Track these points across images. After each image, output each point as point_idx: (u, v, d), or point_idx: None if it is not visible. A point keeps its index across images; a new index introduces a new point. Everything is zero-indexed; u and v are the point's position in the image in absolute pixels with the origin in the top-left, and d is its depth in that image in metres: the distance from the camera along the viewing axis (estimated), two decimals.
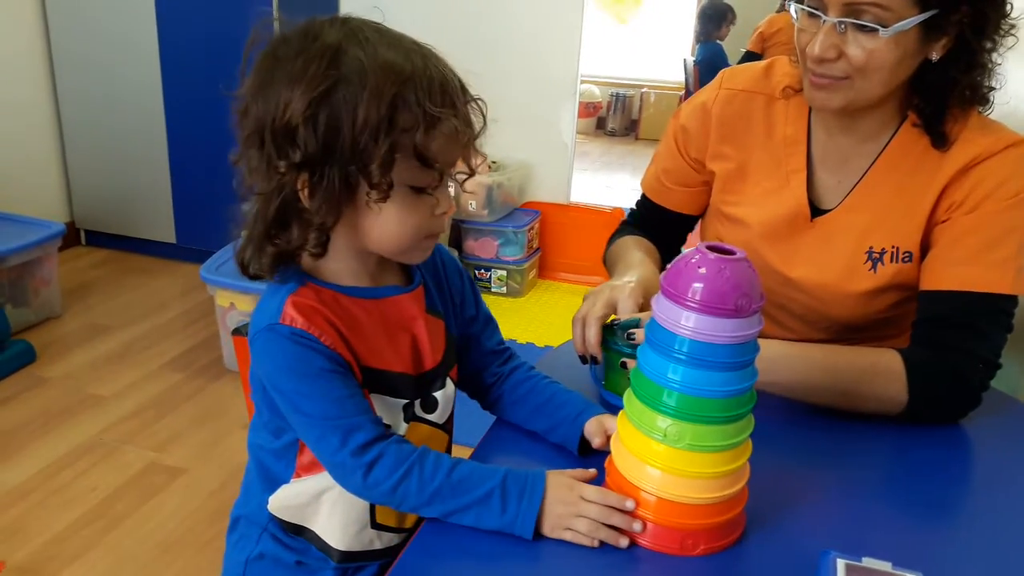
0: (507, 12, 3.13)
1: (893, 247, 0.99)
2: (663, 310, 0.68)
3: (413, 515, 0.82)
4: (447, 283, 0.88)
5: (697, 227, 1.22)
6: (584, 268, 3.32)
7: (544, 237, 3.37)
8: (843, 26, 0.88)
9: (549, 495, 0.72)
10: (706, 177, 1.13)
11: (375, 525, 0.82)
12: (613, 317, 0.95)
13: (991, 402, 0.96)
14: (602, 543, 0.71)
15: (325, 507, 0.81)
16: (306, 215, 0.71)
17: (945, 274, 0.95)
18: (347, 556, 0.82)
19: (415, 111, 0.68)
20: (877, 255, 1.00)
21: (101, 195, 3.23)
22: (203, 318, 2.74)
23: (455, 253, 3.13)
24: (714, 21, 4.99)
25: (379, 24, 0.73)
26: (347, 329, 0.75)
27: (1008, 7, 0.91)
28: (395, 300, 0.80)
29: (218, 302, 2.34)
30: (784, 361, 0.93)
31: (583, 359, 0.96)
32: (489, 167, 3.12)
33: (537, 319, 3.04)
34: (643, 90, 6.70)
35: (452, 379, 0.86)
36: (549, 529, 0.71)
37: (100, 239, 3.32)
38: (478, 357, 0.91)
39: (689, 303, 0.65)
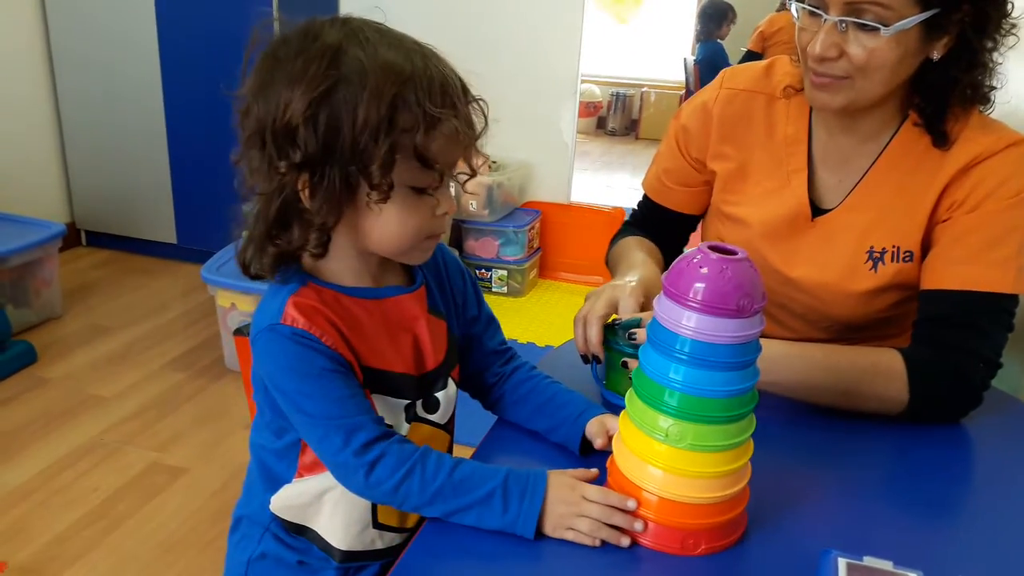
0: (507, 12, 3.14)
1: (894, 246, 0.99)
2: (665, 310, 0.68)
3: (415, 515, 0.82)
4: (449, 283, 0.88)
5: (699, 227, 1.22)
6: (585, 268, 3.33)
7: (545, 237, 3.37)
8: (844, 25, 0.88)
9: (551, 495, 0.72)
10: (707, 177, 1.13)
11: (377, 525, 0.82)
12: (614, 317, 0.95)
13: (992, 401, 0.96)
14: (604, 543, 0.71)
15: (327, 507, 0.81)
16: (307, 215, 0.71)
17: (946, 273, 0.95)
18: (349, 556, 0.83)
19: (415, 111, 0.68)
20: (878, 254, 1.00)
21: (101, 195, 3.23)
22: (204, 318, 2.75)
23: (455, 253, 3.13)
24: (715, 20, 4.99)
25: (380, 24, 0.73)
26: (348, 329, 0.75)
27: (1009, 6, 0.91)
28: (397, 300, 0.80)
29: (219, 302, 2.34)
30: (785, 361, 0.93)
31: (584, 359, 0.96)
32: (489, 167, 3.12)
33: (538, 319, 3.04)
34: (643, 90, 6.70)
35: (454, 379, 0.86)
36: (551, 529, 0.71)
37: (101, 240, 3.32)
38: (480, 357, 0.91)
39: (691, 303, 0.65)
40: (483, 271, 3.20)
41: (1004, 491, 0.86)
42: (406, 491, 0.72)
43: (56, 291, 2.67)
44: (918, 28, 0.87)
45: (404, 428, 0.81)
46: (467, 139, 0.72)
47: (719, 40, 4.98)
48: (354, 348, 0.75)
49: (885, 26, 0.86)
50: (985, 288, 0.93)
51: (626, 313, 0.94)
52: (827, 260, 1.02)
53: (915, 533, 0.78)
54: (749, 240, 1.06)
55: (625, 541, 0.71)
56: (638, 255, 1.10)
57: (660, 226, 1.20)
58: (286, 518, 0.83)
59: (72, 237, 3.25)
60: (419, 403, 0.82)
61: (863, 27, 0.88)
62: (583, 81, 3.30)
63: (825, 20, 0.89)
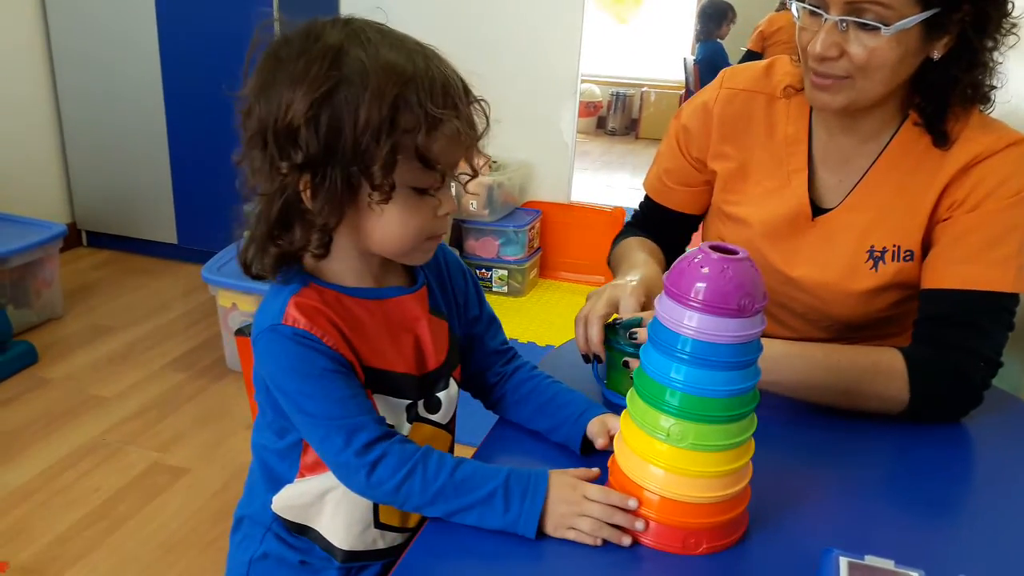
0: (508, 12, 3.14)
1: (894, 246, 0.99)
2: (666, 310, 0.68)
3: (416, 515, 0.82)
4: (450, 283, 0.88)
5: (700, 227, 1.23)
6: (585, 267, 3.33)
7: (545, 236, 3.37)
8: (845, 24, 0.88)
9: (552, 494, 0.72)
10: (707, 177, 1.14)
11: (378, 525, 0.82)
12: (615, 316, 0.95)
13: (993, 400, 0.96)
14: (605, 542, 0.71)
15: (329, 507, 0.81)
16: (308, 216, 0.71)
17: (946, 273, 0.95)
18: (351, 556, 0.83)
19: (417, 112, 0.68)
20: (878, 254, 1.00)
21: (102, 196, 3.23)
22: (205, 319, 2.75)
23: (456, 253, 3.12)
24: (714, 20, 4.99)
25: (381, 25, 0.73)
26: (350, 330, 0.75)
27: (1010, 6, 0.91)
28: (398, 301, 0.80)
29: (220, 302, 2.34)
30: (785, 360, 0.93)
31: (586, 358, 0.96)
32: (490, 167, 3.12)
33: (538, 318, 3.04)
34: (643, 89, 6.70)
35: (455, 379, 0.87)
36: (552, 528, 0.71)
37: (101, 240, 3.32)
38: (481, 357, 0.91)
39: (692, 303, 0.65)
40: (483, 271, 3.20)
41: (1005, 490, 0.86)
42: (407, 491, 0.72)
43: (57, 291, 2.67)
44: (918, 28, 0.87)
45: (406, 428, 0.81)
46: (468, 140, 0.72)
47: (719, 40, 4.98)
48: (355, 348, 0.75)
49: (886, 25, 0.86)
50: (985, 287, 0.93)
51: (627, 312, 0.94)
52: (828, 260, 1.02)
53: (916, 532, 0.78)
54: (750, 240, 1.06)
55: (626, 540, 0.71)
56: (639, 255, 1.10)
57: (661, 226, 1.20)
58: (288, 518, 0.83)
59: (73, 237, 3.26)
60: (420, 403, 0.82)
61: (864, 26, 0.88)
62: (583, 81, 3.30)
63: (826, 19, 0.89)
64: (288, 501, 0.82)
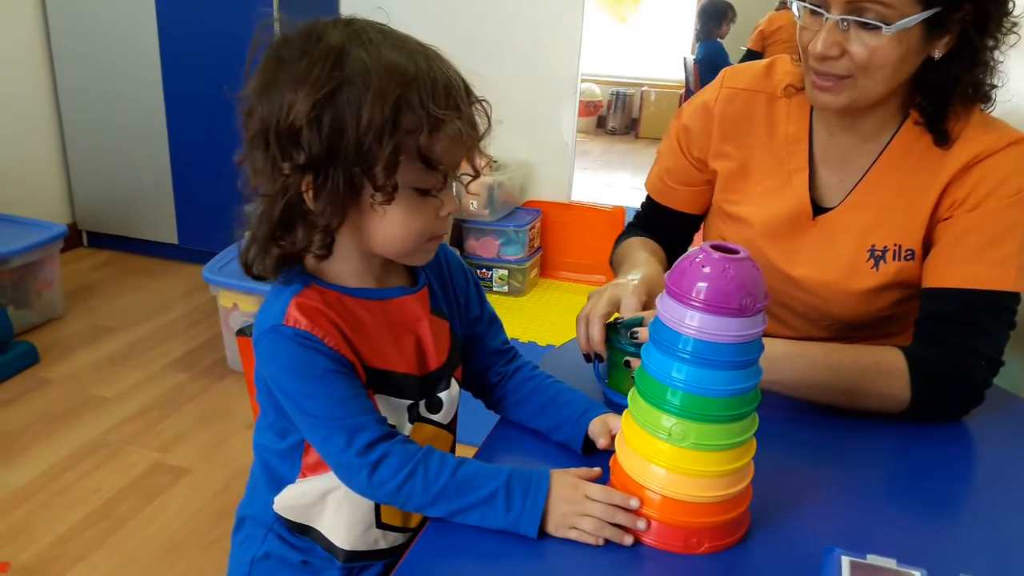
0: (508, 12, 3.14)
1: (895, 245, 0.99)
2: (667, 309, 0.68)
3: (418, 515, 0.82)
4: (452, 283, 0.88)
5: (701, 227, 1.23)
6: (585, 267, 3.33)
7: (545, 236, 3.37)
8: (846, 24, 0.88)
9: (553, 494, 0.72)
10: (708, 176, 1.14)
11: (380, 525, 0.83)
12: (616, 315, 0.95)
13: (994, 399, 0.96)
14: (607, 542, 0.71)
15: (330, 507, 0.81)
16: (311, 217, 0.71)
17: (947, 272, 0.95)
18: (352, 556, 0.83)
19: (419, 113, 0.68)
20: (879, 253, 1.00)
21: (103, 196, 3.23)
22: (206, 319, 2.75)
23: (456, 253, 3.13)
24: (714, 19, 4.98)
25: (383, 25, 0.73)
26: (351, 330, 0.75)
27: (1010, 5, 0.91)
28: (400, 301, 0.80)
29: (221, 303, 2.34)
30: (786, 360, 0.93)
31: (587, 357, 0.96)
32: (490, 166, 3.12)
33: (539, 318, 3.04)
34: (643, 88, 6.70)
35: (456, 379, 0.87)
36: (554, 528, 0.71)
37: (102, 240, 3.32)
38: (483, 356, 0.91)
39: (693, 302, 0.65)
40: (484, 270, 3.20)
41: (1006, 489, 0.86)
42: (409, 491, 0.72)
43: (57, 292, 2.67)
44: (920, 27, 0.87)
45: (407, 428, 0.81)
46: (470, 140, 0.72)
47: (719, 39, 4.97)
48: (357, 349, 0.75)
49: (887, 25, 0.86)
50: (986, 286, 0.93)
51: (628, 311, 0.94)
52: (828, 259, 1.02)
53: (918, 531, 0.78)
54: (751, 239, 1.06)
55: (628, 540, 0.71)
56: (641, 255, 1.10)
57: (663, 226, 1.20)
58: (290, 518, 0.83)
59: (73, 238, 3.26)
60: (422, 403, 0.82)
61: (865, 26, 0.88)
62: (583, 80, 3.30)
63: (827, 19, 0.89)
64: (290, 501, 0.82)
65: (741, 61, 3.53)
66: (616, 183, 5.28)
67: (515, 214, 3.25)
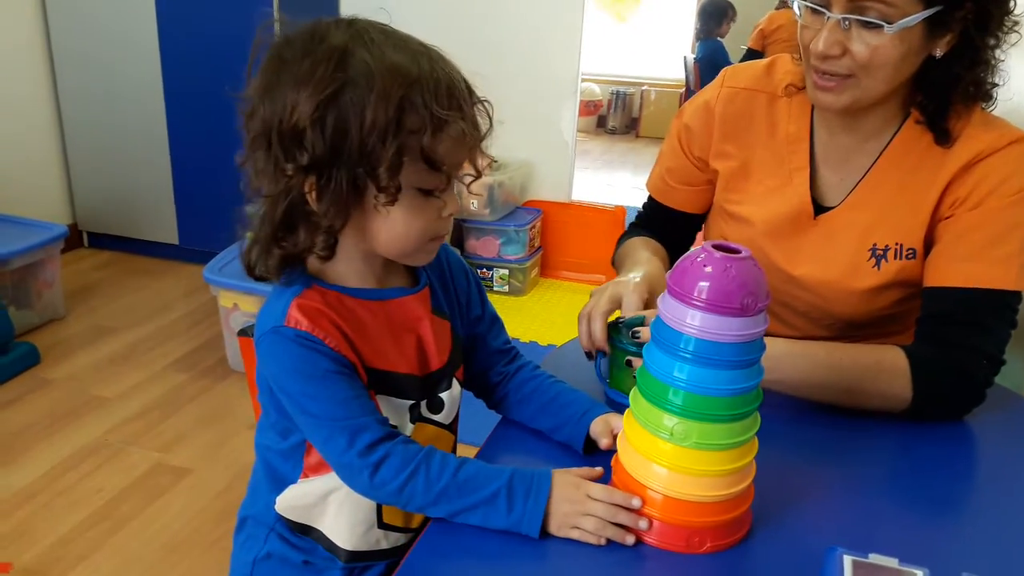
0: (508, 13, 3.14)
1: (897, 244, 0.99)
2: (669, 309, 0.68)
3: (420, 515, 0.82)
4: (453, 283, 0.88)
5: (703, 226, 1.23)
6: (586, 266, 3.33)
7: (546, 235, 3.37)
8: (847, 23, 0.88)
9: (555, 494, 0.72)
10: (709, 176, 1.14)
11: (382, 525, 0.83)
12: (618, 314, 0.95)
13: (995, 398, 0.96)
14: (609, 541, 0.71)
15: (332, 507, 0.81)
16: (314, 218, 0.71)
17: (949, 271, 0.95)
18: (354, 556, 0.83)
19: (422, 113, 0.68)
20: (881, 252, 1.00)
21: (103, 197, 3.23)
22: (207, 319, 2.75)
23: (457, 252, 3.12)
24: (715, 18, 4.98)
25: (385, 25, 0.73)
26: (352, 331, 0.75)
27: (1012, 3, 0.91)
28: (401, 302, 0.80)
29: (221, 303, 2.34)
30: (788, 359, 0.93)
31: (588, 355, 0.96)
32: (490, 166, 3.12)
33: (539, 318, 3.04)
34: (643, 88, 6.70)
35: (458, 379, 0.87)
36: (556, 528, 0.71)
37: (102, 241, 3.32)
38: (484, 356, 0.91)
39: (695, 302, 0.65)
40: (484, 270, 3.20)
41: (1008, 487, 0.86)
42: (411, 491, 0.72)
43: (58, 292, 2.67)
44: (921, 25, 0.87)
45: (408, 429, 0.81)
46: (473, 140, 0.72)
47: (719, 38, 4.97)
48: (358, 350, 0.75)
49: (889, 23, 0.86)
50: (988, 285, 0.93)
51: (630, 309, 0.94)
52: (830, 258, 1.02)
53: (920, 530, 0.78)
54: (752, 238, 1.06)
55: (630, 539, 0.71)
56: (643, 254, 1.10)
57: (665, 226, 1.20)
58: (291, 518, 0.83)
59: (74, 238, 3.26)
60: (423, 403, 0.82)
61: (866, 25, 0.88)
62: (583, 80, 3.30)
63: (828, 18, 0.89)
64: (292, 501, 0.82)
65: (741, 60, 3.53)
66: (616, 182, 5.27)
67: (515, 214, 3.25)
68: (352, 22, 0.72)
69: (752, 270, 0.66)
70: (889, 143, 1.00)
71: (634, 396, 0.73)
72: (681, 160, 1.15)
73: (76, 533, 1.73)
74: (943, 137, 0.96)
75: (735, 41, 4.84)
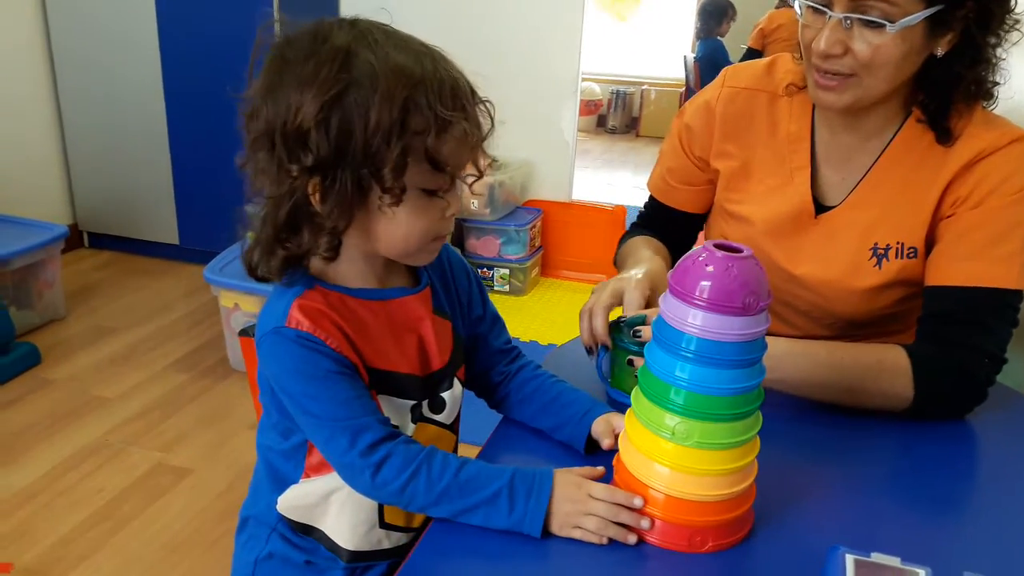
0: (508, 13, 3.14)
1: (898, 243, 0.99)
2: (670, 308, 0.68)
3: (421, 515, 0.82)
4: (454, 283, 0.88)
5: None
6: (586, 266, 3.33)
7: (546, 235, 3.37)
8: (849, 22, 0.88)
9: (557, 493, 0.72)
10: (710, 175, 1.13)
11: (384, 525, 0.83)
12: (619, 312, 0.95)
13: (997, 397, 0.96)
14: (611, 541, 0.71)
15: (334, 507, 0.81)
16: (317, 219, 0.71)
17: (950, 270, 0.95)
18: (356, 556, 0.83)
19: (426, 114, 0.68)
20: (882, 251, 1.00)
21: (103, 197, 3.23)
22: (207, 319, 2.75)
23: (458, 252, 3.12)
24: (715, 17, 4.98)
25: (387, 26, 0.73)
26: (353, 331, 0.75)
27: (1013, 2, 0.91)
28: (402, 302, 0.80)
29: (222, 303, 2.34)
30: (789, 359, 0.93)
31: (589, 351, 0.96)
32: (491, 166, 3.12)
33: (540, 317, 3.04)
34: (643, 87, 6.70)
35: (459, 379, 0.87)
36: (557, 527, 0.71)
37: (103, 241, 3.32)
38: (485, 356, 0.91)
39: (696, 301, 0.65)
40: (485, 270, 3.20)
41: (1009, 487, 0.86)
42: (412, 491, 0.72)
43: (59, 293, 2.67)
44: (923, 24, 0.87)
45: (410, 428, 0.81)
46: (476, 141, 0.72)
47: (719, 37, 4.97)
48: (359, 350, 0.75)
49: (890, 22, 0.86)
50: (989, 284, 0.93)
51: (632, 305, 0.94)
52: (831, 257, 1.02)
53: (922, 529, 0.78)
54: (753, 238, 1.06)
55: (632, 539, 0.71)
56: (644, 252, 1.10)
57: (666, 226, 1.20)
58: (293, 518, 0.83)
59: (74, 239, 3.26)
60: (425, 403, 0.82)
61: (868, 24, 0.88)
62: (583, 79, 3.30)
63: (830, 17, 0.89)
64: (293, 501, 0.82)
65: (741, 59, 3.53)
66: (617, 182, 5.27)
67: (516, 213, 3.25)
68: (354, 22, 0.71)
69: (754, 269, 0.66)
70: (890, 142, 1.00)
71: (636, 395, 0.73)
72: (682, 160, 1.15)
73: (77, 533, 1.73)
74: (944, 136, 0.96)
75: (735, 40, 4.84)
